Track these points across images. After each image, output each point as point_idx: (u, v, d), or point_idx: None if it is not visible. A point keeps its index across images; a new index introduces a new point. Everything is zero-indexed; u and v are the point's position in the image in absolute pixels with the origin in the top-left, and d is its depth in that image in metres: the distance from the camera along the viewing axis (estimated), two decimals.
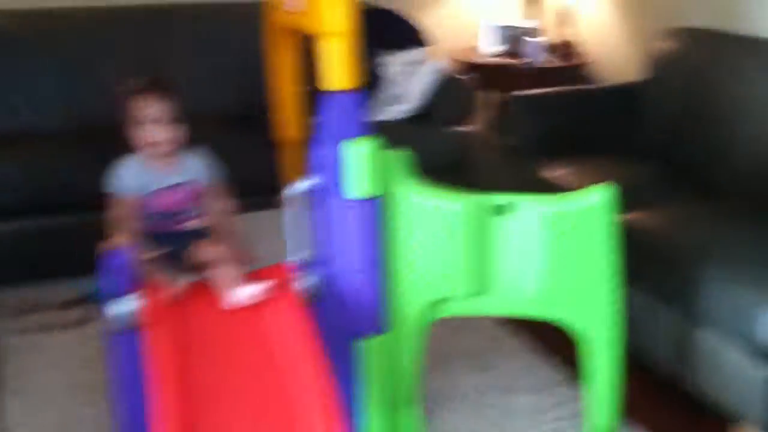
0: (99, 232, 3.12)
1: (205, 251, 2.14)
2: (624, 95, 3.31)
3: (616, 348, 2.21)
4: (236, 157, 2.50)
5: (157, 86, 2.15)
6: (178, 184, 2.19)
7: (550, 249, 2.12)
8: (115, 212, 2.15)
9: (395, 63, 3.56)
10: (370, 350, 2.22)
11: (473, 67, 3.93)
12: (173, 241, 2.18)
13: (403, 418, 2.29)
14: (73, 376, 2.64)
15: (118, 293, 2.01)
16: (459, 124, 3.50)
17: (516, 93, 3.30)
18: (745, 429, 2.29)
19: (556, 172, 3.00)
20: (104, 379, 2.57)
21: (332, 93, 2.05)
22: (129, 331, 2.03)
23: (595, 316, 2.17)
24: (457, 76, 3.61)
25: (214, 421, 1.91)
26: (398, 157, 2.11)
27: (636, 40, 3.81)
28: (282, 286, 2.12)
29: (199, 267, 2.16)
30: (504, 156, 3.29)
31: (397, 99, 3.56)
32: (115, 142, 3.25)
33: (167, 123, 2.12)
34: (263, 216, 2.72)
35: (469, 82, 3.63)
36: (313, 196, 2.12)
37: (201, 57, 3.67)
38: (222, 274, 2.10)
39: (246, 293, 2.06)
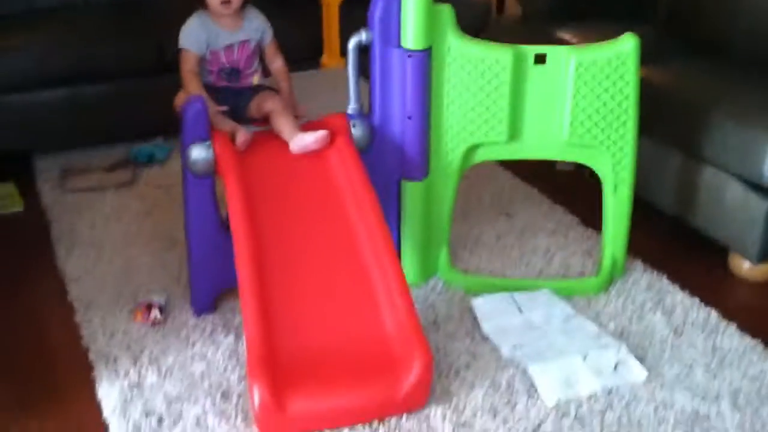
0: (144, 98, 3.32)
1: (266, 103, 2.33)
2: None
3: (631, 188, 2.46)
4: (280, 16, 2.63)
5: None
6: (243, 41, 2.34)
7: (582, 94, 2.33)
8: (186, 66, 2.30)
9: None
10: (413, 194, 2.46)
11: None
12: (237, 97, 2.35)
13: (435, 257, 2.55)
14: (127, 230, 2.83)
15: (197, 139, 2.19)
16: None
17: None
18: (741, 258, 2.58)
19: (570, 35, 3.18)
20: (161, 230, 2.81)
21: None
22: (207, 176, 2.23)
23: (618, 159, 2.41)
24: None
25: (285, 258, 2.15)
26: (445, 11, 2.29)
27: None
28: (339, 134, 2.33)
29: (261, 119, 2.36)
30: (520, 22, 3.46)
31: None
32: (155, 13, 3.42)
33: None
34: (310, 75, 2.91)
35: None
36: (369, 48, 2.30)
37: None
38: (284, 123, 2.29)
39: (309, 139, 2.26)
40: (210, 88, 2.34)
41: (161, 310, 2.36)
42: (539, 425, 1.99)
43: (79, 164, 3.22)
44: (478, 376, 2.14)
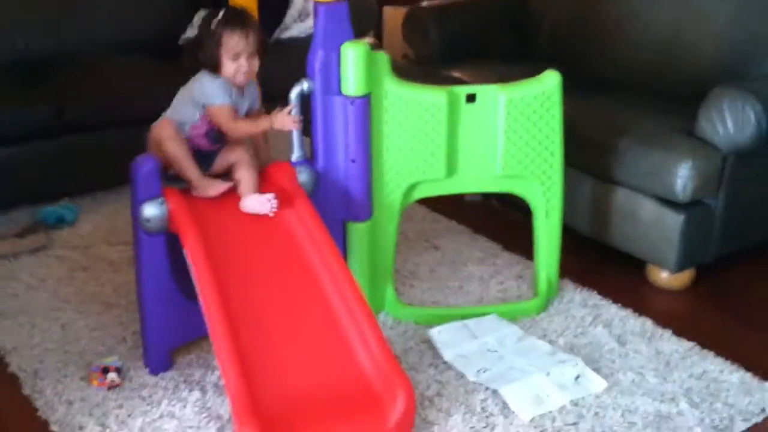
0: (46, 160, 3.23)
1: (233, 153, 2.35)
2: (513, 6, 3.70)
3: (561, 214, 2.63)
4: None
5: (251, 20, 2.29)
6: (248, 108, 2.36)
7: (513, 129, 2.48)
8: (230, 119, 2.29)
9: None
10: (358, 234, 2.52)
11: None
12: (207, 156, 2.36)
13: (382, 293, 2.62)
14: (53, 295, 2.72)
15: (149, 197, 2.17)
16: (365, 36, 3.77)
17: (421, 4, 3.61)
18: (658, 269, 2.79)
19: (462, 74, 3.34)
20: (90, 293, 2.73)
21: (325, 2, 2.29)
22: (160, 233, 2.21)
23: (548, 187, 2.57)
24: None
25: (253, 308, 2.16)
26: (382, 58, 2.38)
27: None
28: (287, 181, 2.36)
29: (222, 172, 2.37)
30: (414, 63, 3.61)
31: (305, 16, 3.78)
32: (53, 75, 3.34)
33: (259, 54, 2.27)
34: None
35: None
36: (310, 96, 2.36)
37: None
38: (244, 176, 2.32)
39: (256, 205, 2.29)
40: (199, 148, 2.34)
41: (118, 372, 2.30)
42: None
43: None
44: (452, 402, 2.22)
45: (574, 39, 3.50)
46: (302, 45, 3.62)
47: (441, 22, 3.57)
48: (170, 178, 2.29)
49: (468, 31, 3.62)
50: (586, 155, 2.83)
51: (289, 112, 2.34)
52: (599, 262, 2.95)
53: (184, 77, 3.45)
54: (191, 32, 3.86)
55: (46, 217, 3.15)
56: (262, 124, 2.34)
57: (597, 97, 3.08)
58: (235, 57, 2.24)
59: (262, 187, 2.33)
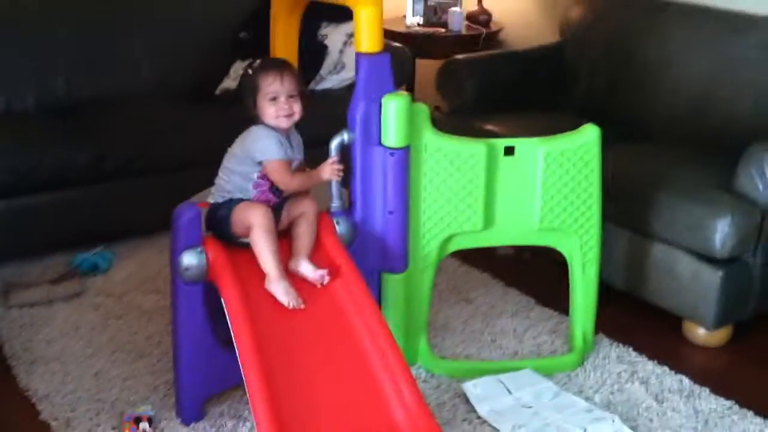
0: (83, 207, 3.26)
1: (301, 204, 2.35)
2: (550, 57, 3.72)
3: (598, 267, 2.61)
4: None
5: (287, 64, 2.32)
6: (297, 158, 2.36)
7: (550, 182, 2.48)
8: (288, 174, 2.28)
9: (338, 33, 3.80)
10: (394, 286, 2.51)
11: (402, 37, 4.25)
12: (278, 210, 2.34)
13: (415, 346, 2.60)
14: (87, 342, 2.72)
15: (189, 246, 2.18)
16: (398, 88, 3.80)
17: (456, 57, 3.64)
18: (696, 326, 2.76)
19: (496, 126, 3.36)
20: (124, 341, 2.73)
21: (367, 54, 2.31)
22: (198, 282, 2.21)
23: (585, 241, 2.56)
24: (394, 44, 3.90)
25: (287, 358, 2.15)
26: (422, 109, 2.40)
27: (545, 7, 4.24)
28: (325, 232, 2.37)
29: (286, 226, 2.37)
30: (448, 115, 3.63)
31: (340, 67, 3.82)
32: (92, 121, 3.39)
33: (299, 96, 2.28)
34: None
35: (405, 50, 3.94)
36: (350, 147, 2.38)
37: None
38: (303, 236, 2.32)
39: (310, 273, 2.29)
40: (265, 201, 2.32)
41: (150, 422, 2.29)
42: None
43: (21, 278, 3.09)
44: None
45: (610, 90, 3.51)
46: (337, 96, 3.70)
47: (476, 74, 3.60)
48: (238, 242, 2.28)
49: (503, 82, 3.65)
50: (623, 208, 2.82)
51: (333, 163, 2.34)
52: (635, 317, 2.91)
53: (221, 126, 3.53)
54: (228, 83, 3.91)
55: (80, 264, 3.17)
56: (315, 177, 2.35)
57: (633, 149, 3.07)
58: (273, 99, 2.25)
59: None
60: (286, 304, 2.21)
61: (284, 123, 2.28)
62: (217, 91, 3.94)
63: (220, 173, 2.34)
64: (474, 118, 3.44)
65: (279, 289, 2.22)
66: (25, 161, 3.13)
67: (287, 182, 2.29)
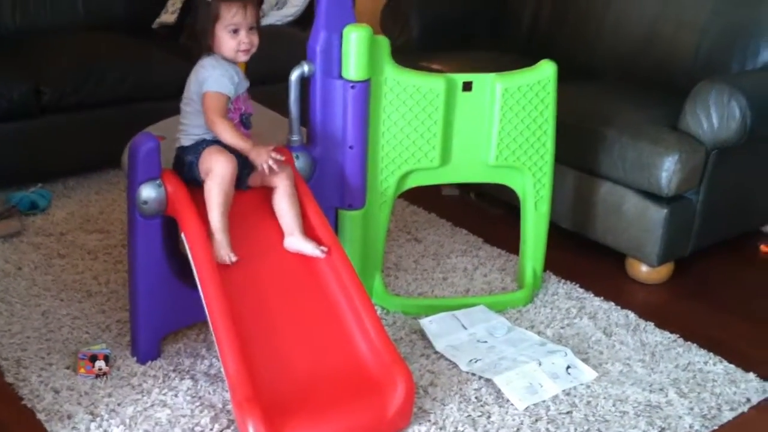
0: (21, 143, 3.14)
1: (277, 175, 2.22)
2: None
3: (549, 205, 2.65)
4: None
5: None
6: (247, 88, 2.25)
7: (507, 119, 2.49)
8: (221, 112, 2.14)
9: None
10: (352, 222, 2.51)
11: None
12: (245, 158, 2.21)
13: (370, 284, 2.60)
14: (31, 282, 2.65)
15: (148, 178, 2.12)
16: None
17: None
18: (639, 263, 2.84)
19: (442, 65, 3.34)
20: (69, 280, 2.67)
21: None
22: (156, 216, 2.16)
23: (538, 178, 2.59)
24: None
25: (251, 295, 2.13)
26: (383, 42, 2.37)
27: None
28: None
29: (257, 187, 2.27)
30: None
31: (282, 3, 3.74)
32: (25, 53, 3.25)
33: (257, 29, 2.18)
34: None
35: None
36: (310, 80, 2.34)
37: None
38: (287, 212, 2.23)
39: (308, 249, 2.22)
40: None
41: (106, 360, 2.25)
42: (517, 430, 2.09)
43: None
44: (446, 392, 2.22)
45: (554, 29, 3.54)
46: (280, 32, 3.63)
47: (421, 11, 3.57)
48: None
49: (447, 20, 3.63)
50: (570, 147, 2.85)
51: (271, 152, 2.16)
52: (579, 256, 2.97)
53: (159, 61, 3.44)
54: (165, 17, 3.80)
55: (18, 203, 3.06)
56: (244, 145, 2.15)
57: (578, 88, 3.08)
58: (235, 31, 2.15)
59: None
60: (218, 259, 2.11)
61: (243, 57, 2.20)
62: (154, 25, 3.83)
63: (181, 117, 2.23)
64: (419, 57, 3.42)
65: (215, 242, 2.12)
66: None
67: (218, 122, 2.12)
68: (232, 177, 2.15)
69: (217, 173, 2.13)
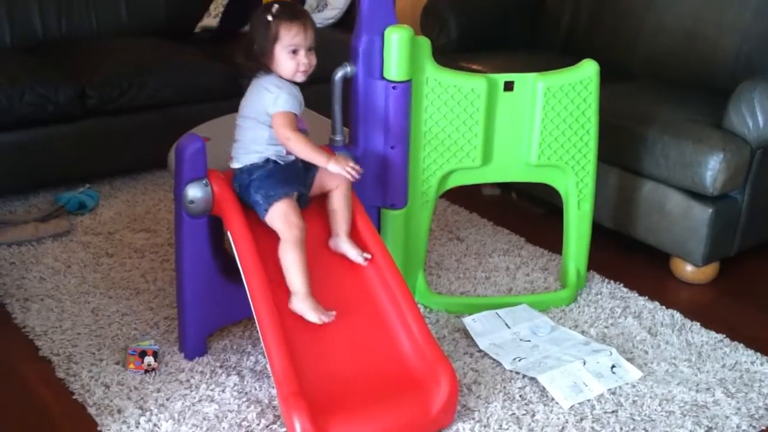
0: (68, 144, 3.21)
1: (335, 179, 2.23)
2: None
3: (592, 204, 2.65)
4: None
5: (308, 14, 2.19)
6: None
7: (548, 118, 2.49)
8: (294, 129, 2.14)
9: None
10: (394, 222, 2.52)
11: None
12: (306, 172, 2.25)
13: (413, 282, 2.62)
14: (81, 280, 2.70)
15: (194, 178, 2.15)
16: None
17: None
18: (683, 262, 2.82)
19: (482, 66, 3.35)
20: (118, 278, 2.72)
21: None
22: (203, 215, 2.20)
23: (581, 177, 2.59)
24: None
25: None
26: (424, 43, 2.38)
27: None
28: None
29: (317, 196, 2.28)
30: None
31: (323, 5, 3.78)
32: (71, 57, 3.33)
33: (314, 50, 2.18)
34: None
35: None
36: (352, 81, 2.36)
37: None
38: (342, 217, 2.25)
39: (353, 255, 2.23)
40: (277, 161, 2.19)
41: (155, 356, 2.29)
42: (562, 429, 2.09)
43: (7, 216, 3.04)
44: (490, 390, 2.22)
45: (592, 30, 3.53)
46: (319, 34, 3.65)
47: (460, 13, 3.58)
48: None
49: (486, 21, 3.64)
50: (613, 147, 2.84)
51: (349, 161, 2.18)
52: (623, 255, 2.96)
53: (203, 65, 3.48)
54: (208, 20, 3.85)
55: (67, 203, 3.12)
56: (320, 158, 2.16)
57: (619, 87, 3.08)
58: (294, 52, 2.14)
59: None
60: (316, 320, 2.09)
61: (301, 78, 2.18)
62: (197, 29, 3.89)
63: (237, 135, 2.21)
64: (459, 57, 3.43)
65: (305, 307, 2.10)
66: (6, 97, 3.06)
67: (291, 137, 2.12)
68: (304, 236, 2.13)
69: (291, 239, 2.12)
